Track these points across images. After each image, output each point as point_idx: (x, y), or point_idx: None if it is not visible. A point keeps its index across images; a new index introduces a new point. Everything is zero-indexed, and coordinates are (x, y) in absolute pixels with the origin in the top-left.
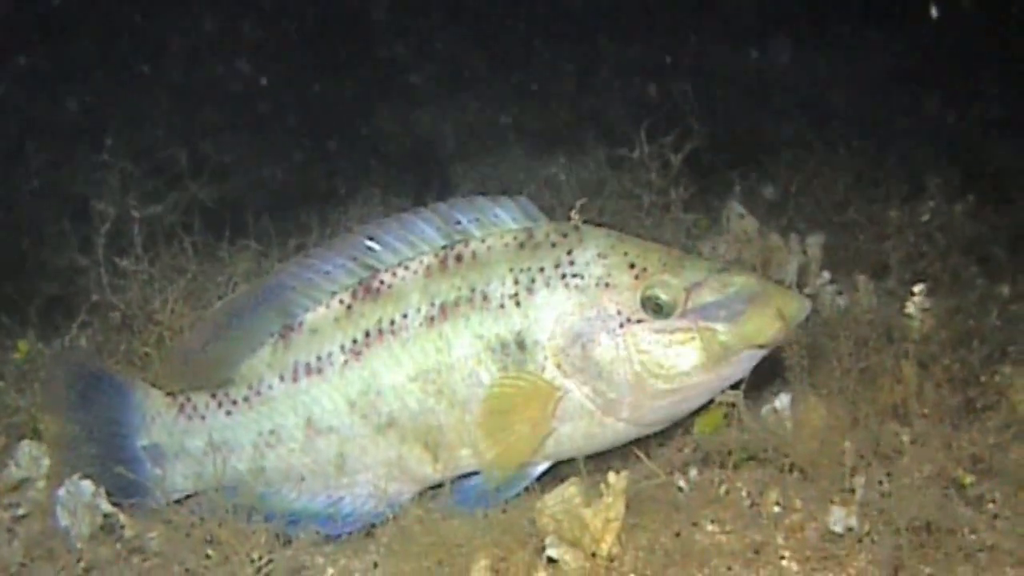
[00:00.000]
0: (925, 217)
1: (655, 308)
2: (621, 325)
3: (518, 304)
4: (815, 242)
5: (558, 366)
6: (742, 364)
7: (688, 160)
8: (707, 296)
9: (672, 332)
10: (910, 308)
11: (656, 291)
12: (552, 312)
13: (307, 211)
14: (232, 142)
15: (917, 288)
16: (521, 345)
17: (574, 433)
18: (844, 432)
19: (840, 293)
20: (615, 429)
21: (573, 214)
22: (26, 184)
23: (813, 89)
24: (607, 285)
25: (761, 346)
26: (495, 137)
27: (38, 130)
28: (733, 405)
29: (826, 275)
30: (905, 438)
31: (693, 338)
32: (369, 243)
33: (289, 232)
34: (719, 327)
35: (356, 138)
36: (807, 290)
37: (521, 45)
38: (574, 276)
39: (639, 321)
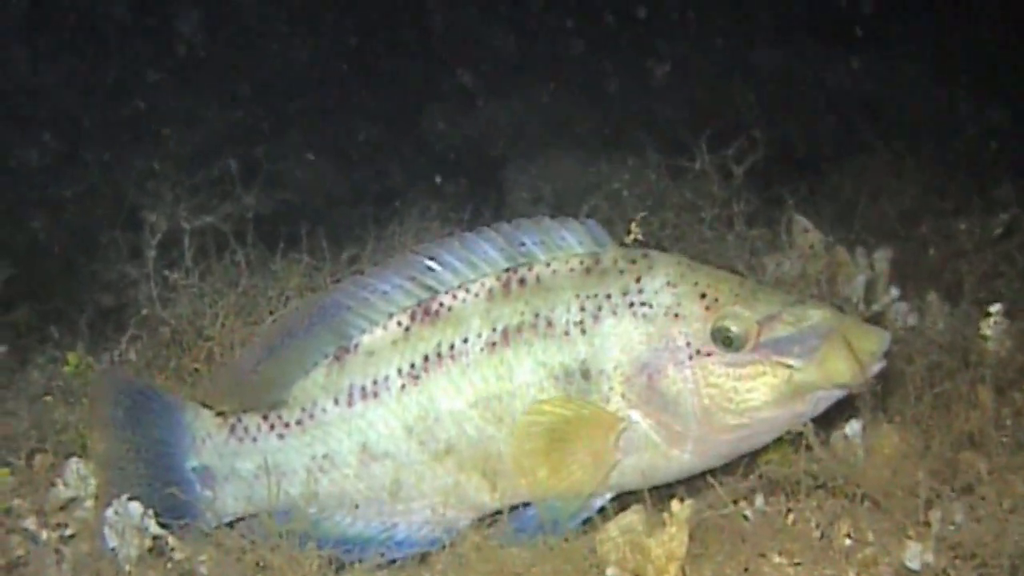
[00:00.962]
0: (998, 231)
1: (726, 341)
2: (690, 357)
3: (583, 332)
4: (883, 257)
5: (623, 396)
6: (816, 403)
7: (750, 171)
8: (780, 330)
9: (743, 366)
10: (986, 330)
11: (727, 323)
12: (618, 341)
13: (362, 223)
14: (283, 146)
15: (994, 308)
16: (586, 374)
17: (637, 465)
18: (917, 461)
19: (911, 312)
20: (680, 462)
21: (633, 227)
22: (77, 191)
23: (877, 94)
24: (676, 315)
25: (837, 386)
26: (547, 139)
27: (89, 135)
28: (801, 433)
29: (895, 291)
30: (982, 468)
31: (764, 373)
32: (429, 263)
33: (342, 245)
34: (793, 363)
35: (407, 139)
36: (875, 307)
37: (574, 44)
38: (642, 305)
39: (709, 354)
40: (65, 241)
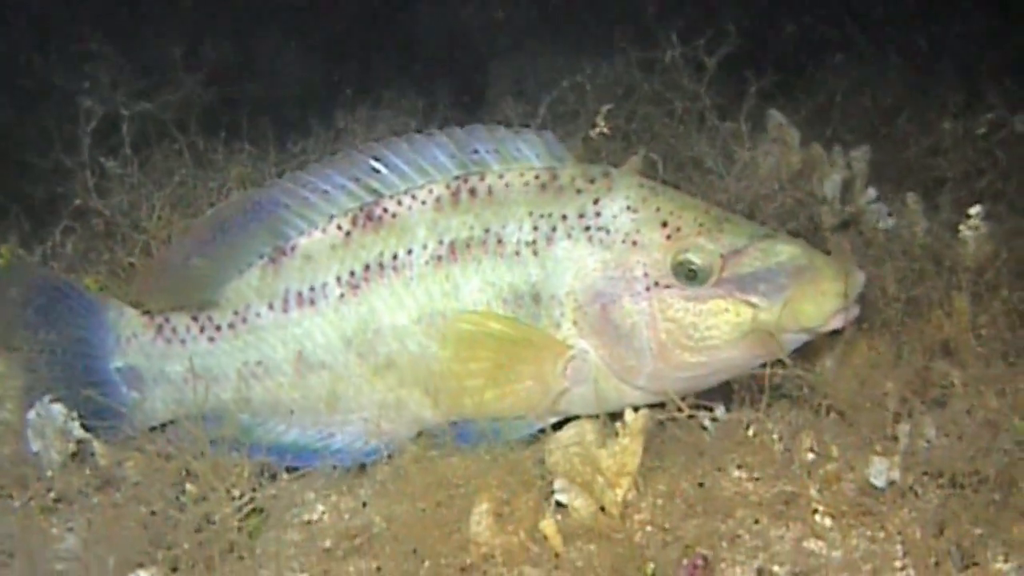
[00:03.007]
0: (981, 130)
1: (687, 274)
2: (647, 288)
3: (535, 253)
4: (860, 155)
5: (574, 324)
6: (782, 344)
7: (724, 65)
8: (747, 266)
9: (704, 302)
10: (964, 232)
11: (689, 255)
12: (572, 266)
13: (312, 114)
14: (259, 38)
15: (973, 210)
16: (536, 298)
17: (586, 394)
18: (887, 371)
19: (889, 214)
20: (632, 394)
21: (599, 119)
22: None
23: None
24: (635, 243)
25: (804, 330)
26: (530, 34)
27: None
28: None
29: (872, 192)
30: (956, 379)
31: (726, 310)
32: (374, 164)
33: (289, 136)
34: (757, 301)
35: (391, 34)
36: (851, 207)
37: None
38: (599, 229)
39: (668, 286)
40: None
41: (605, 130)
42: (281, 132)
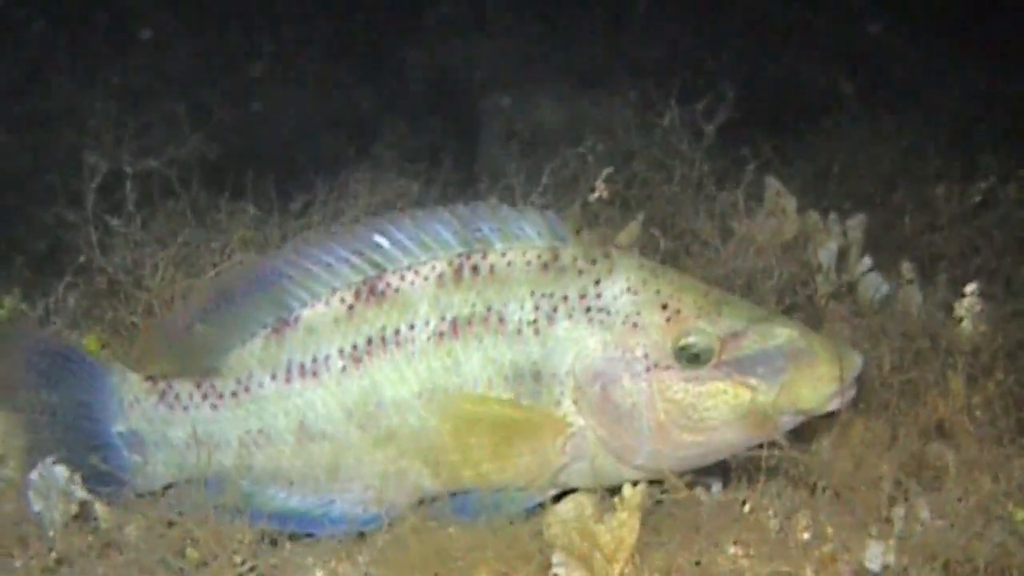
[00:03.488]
0: (976, 199)
1: (687, 357)
2: (647, 369)
3: (536, 332)
4: (857, 224)
5: (574, 402)
6: (779, 425)
7: (721, 128)
8: (745, 349)
9: (703, 383)
10: (960, 311)
11: (689, 339)
12: (573, 346)
13: (313, 169)
14: (251, 74)
15: (968, 288)
16: (536, 376)
17: (585, 469)
18: (883, 452)
19: (884, 283)
20: (630, 472)
21: (599, 184)
22: (13, 131)
23: (856, 49)
24: (635, 325)
25: (801, 412)
26: (523, 74)
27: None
28: None
29: (867, 261)
30: (950, 461)
31: (725, 392)
32: (378, 239)
33: (292, 194)
34: (756, 384)
35: (382, 72)
36: (847, 276)
37: None
38: (600, 310)
39: (667, 368)
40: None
41: (604, 195)
42: (283, 187)
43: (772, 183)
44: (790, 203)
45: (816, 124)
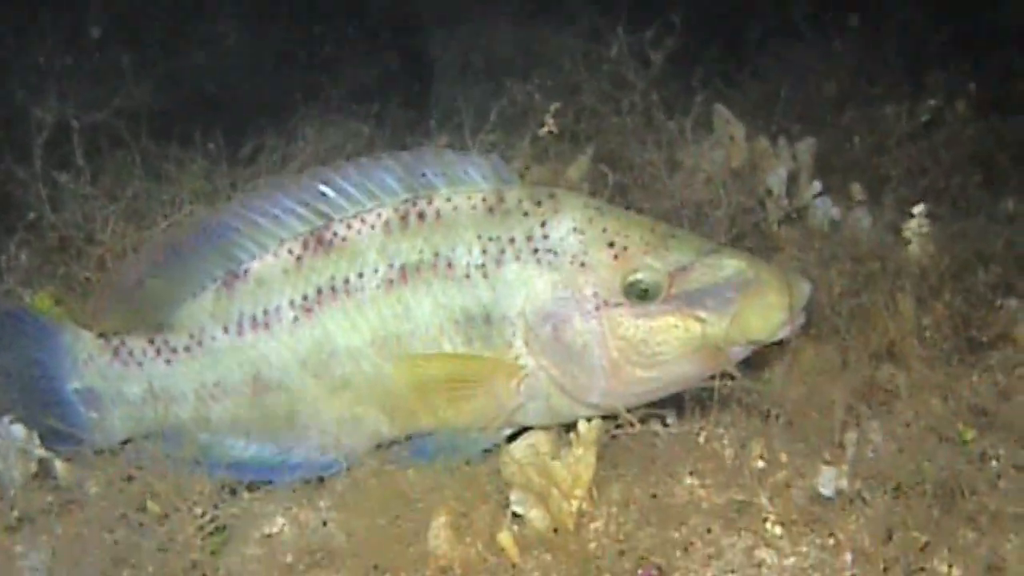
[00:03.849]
0: (924, 117)
1: (636, 293)
2: (597, 308)
3: (485, 276)
4: (806, 148)
5: (526, 343)
6: (729, 356)
7: (668, 56)
8: (693, 282)
9: (653, 318)
10: (908, 232)
11: (637, 275)
12: (522, 288)
13: (262, 111)
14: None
15: (916, 209)
16: (487, 319)
17: (540, 408)
18: (835, 378)
19: (834, 207)
20: (585, 408)
21: (547, 119)
22: None
23: None
24: (583, 264)
25: (752, 342)
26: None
27: None
28: None
29: (817, 185)
30: (901, 384)
31: (676, 326)
32: (323, 188)
33: (241, 141)
34: (706, 316)
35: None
36: (796, 201)
37: None
38: (547, 251)
39: (617, 305)
40: None
41: (553, 129)
42: (232, 133)
43: (721, 111)
44: (739, 130)
45: (765, 47)
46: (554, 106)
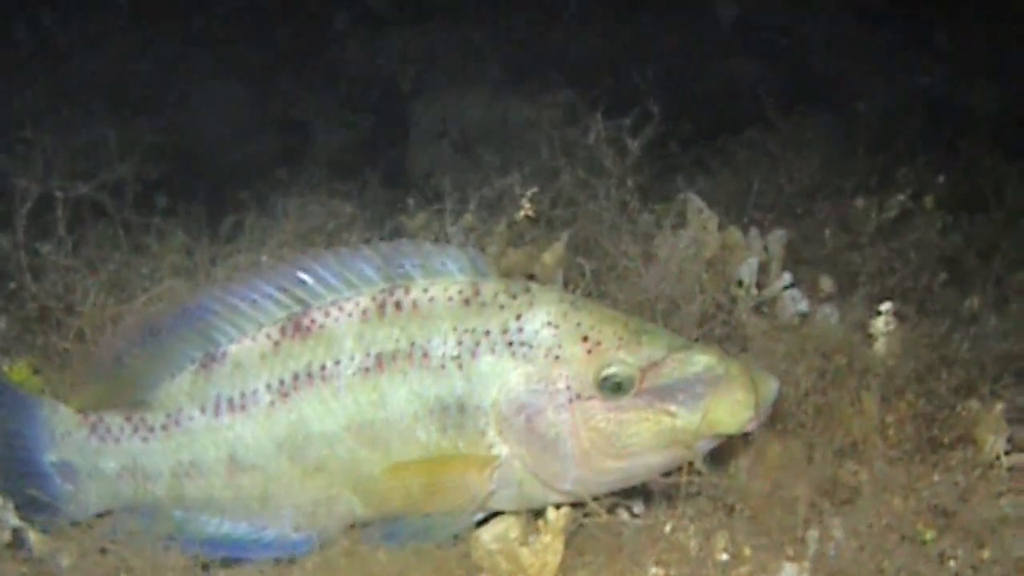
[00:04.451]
0: (893, 212)
1: (608, 387)
2: (570, 400)
3: (460, 367)
4: (777, 239)
5: (500, 433)
6: (699, 447)
7: (645, 144)
8: (664, 377)
9: (625, 411)
10: (875, 331)
11: (610, 369)
12: (496, 380)
13: (243, 180)
14: (186, 68)
15: (883, 307)
16: (461, 409)
17: (514, 496)
18: (799, 473)
19: (803, 299)
20: (556, 496)
21: (524, 202)
22: None
23: (777, 71)
24: (557, 357)
25: (719, 436)
26: (459, 72)
27: None
28: None
29: (787, 276)
30: (864, 482)
31: (647, 420)
32: (302, 275)
33: (222, 212)
34: (676, 410)
35: (317, 66)
36: (766, 292)
37: None
38: (522, 344)
39: (590, 398)
40: None
41: (530, 213)
42: (214, 203)
43: (694, 200)
44: (712, 220)
45: (739, 135)
46: (531, 191)
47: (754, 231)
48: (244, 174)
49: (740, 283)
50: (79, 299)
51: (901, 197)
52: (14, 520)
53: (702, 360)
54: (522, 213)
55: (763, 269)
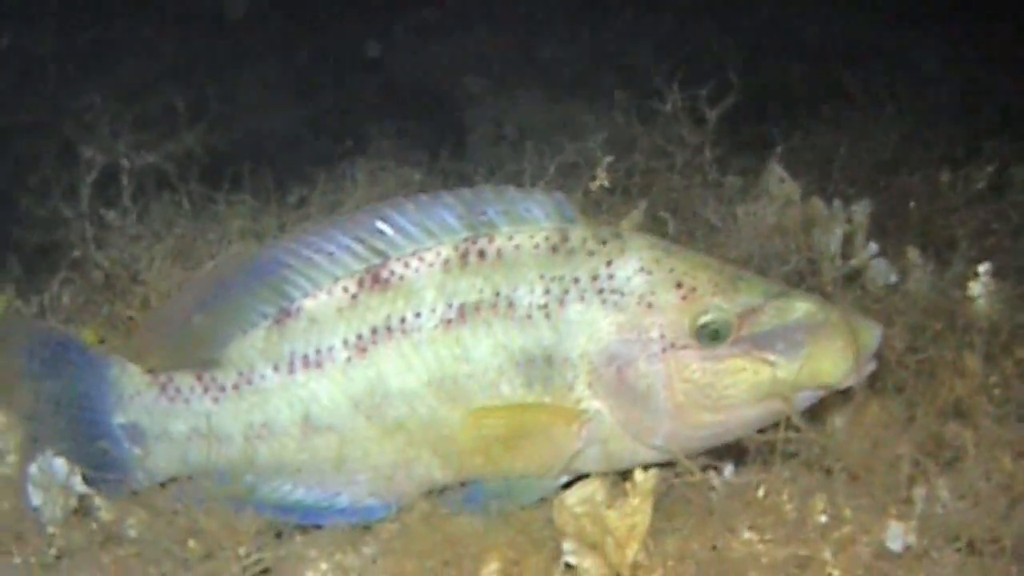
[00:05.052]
0: (981, 183)
1: (703, 335)
2: (664, 350)
3: (547, 316)
4: (861, 209)
5: (589, 386)
6: (799, 401)
7: (723, 116)
8: (764, 324)
9: (721, 362)
10: (974, 290)
11: (706, 316)
12: (586, 329)
13: (312, 162)
14: (236, 78)
15: (982, 268)
16: (549, 361)
17: (601, 454)
18: (900, 433)
19: (891, 269)
20: (648, 454)
21: (599, 172)
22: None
23: (858, 44)
24: (650, 305)
25: (822, 387)
26: (513, 76)
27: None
28: None
29: (873, 247)
30: (969, 441)
31: (744, 369)
32: (380, 225)
33: (290, 186)
34: (775, 360)
35: (369, 74)
36: (852, 262)
37: None
38: (612, 292)
39: (684, 347)
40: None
41: (606, 183)
42: (282, 182)
43: (775, 169)
44: (794, 189)
45: (817, 114)
46: (607, 159)
47: (837, 202)
48: (308, 160)
49: (825, 254)
50: (144, 267)
51: (989, 168)
52: (81, 487)
53: (802, 307)
54: (597, 182)
55: (847, 240)
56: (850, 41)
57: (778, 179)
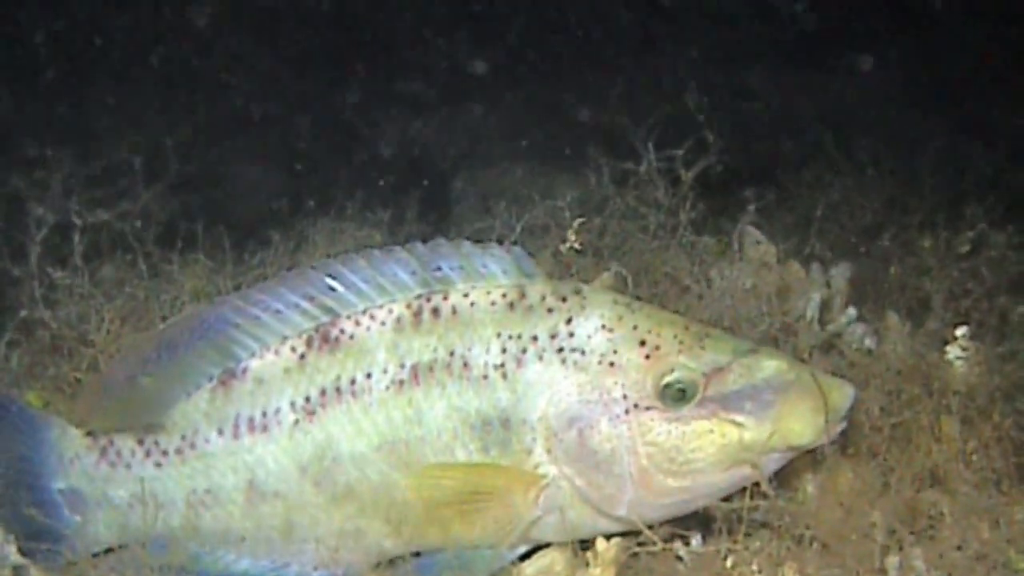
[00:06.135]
0: (964, 248)
1: (669, 396)
2: (627, 411)
3: (504, 376)
4: (840, 273)
5: (548, 451)
6: (767, 465)
7: (699, 177)
8: (731, 384)
9: (687, 423)
10: (951, 353)
11: (671, 376)
12: (545, 390)
13: (271, 224)
14: (225, 151)
15: (960, 331)
16: (505, 424)
17: (560, 523)
18: (874, 500)
19: (869, 334)
20: (608, 522)
21: (570, 234)
22: None
23: (837, 104)
24: (612, 364)
25: (792, 448)
26: (498, 149)
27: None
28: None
29: (852, 311)
30: (945, 509)
31: (711, 431)
32: (330, 282)
33: (247, 247)
34: (744, 421)
35: (353, 147)
36: (830, 327)
37: (526, 52)
38: (573, 351)
39: (648, 408)
40: None
41: (576, 245)
42: (240, 243)
43: (752, 232)
44: (770, 253)
45: (798, 175)
46: (577, 220)
47: (815, 265)
48: (274, 221)
49: (802, 319)
50: (93, 328)
51: (971, 233)
52: (15, 556)
53: (770, 365)
54: (567, 244)
55: (825, 305)
56: (835, 107)
57: (754, 241)
